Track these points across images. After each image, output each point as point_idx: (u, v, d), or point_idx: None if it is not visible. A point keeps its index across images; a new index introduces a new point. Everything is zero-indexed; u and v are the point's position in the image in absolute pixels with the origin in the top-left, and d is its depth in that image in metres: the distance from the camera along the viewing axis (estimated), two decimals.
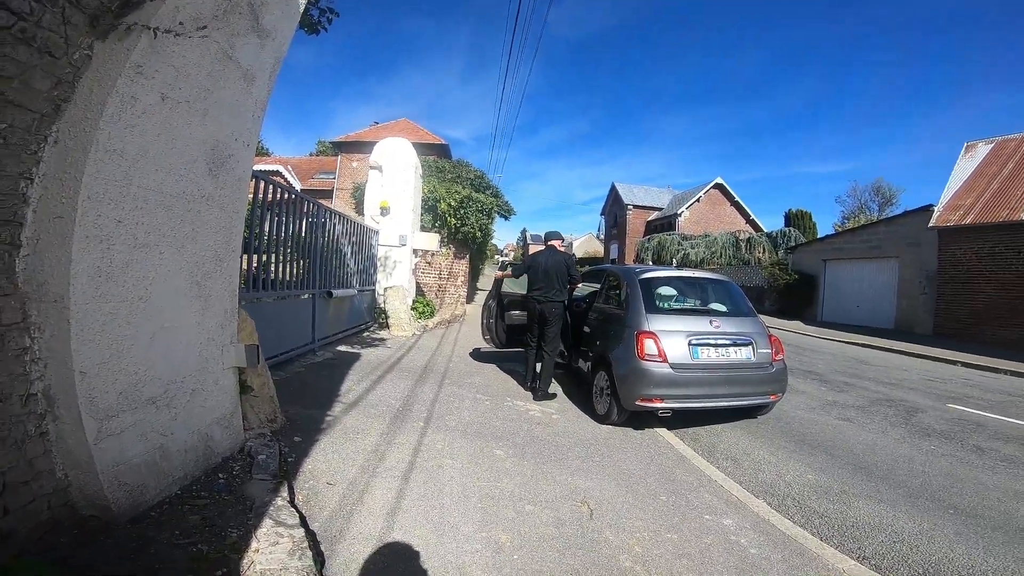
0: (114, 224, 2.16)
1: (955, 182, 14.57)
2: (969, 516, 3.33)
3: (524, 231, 77.89)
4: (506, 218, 17.43)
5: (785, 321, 17.09)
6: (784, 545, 2.79)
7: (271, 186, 5.20)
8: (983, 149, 15.10)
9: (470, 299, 16.70)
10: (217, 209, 2.80)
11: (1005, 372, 9.12)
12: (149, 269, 2.37)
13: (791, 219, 32.61)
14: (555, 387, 5.80)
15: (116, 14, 2.06)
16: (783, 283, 20.15)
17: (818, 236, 26.35)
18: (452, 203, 13.01)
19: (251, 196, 4.72)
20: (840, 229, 32.00)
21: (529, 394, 5.56)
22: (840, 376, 8.09)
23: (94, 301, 2.11)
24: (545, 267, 5.43)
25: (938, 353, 10.66)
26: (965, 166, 14.93)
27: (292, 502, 2.69)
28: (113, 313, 2.20)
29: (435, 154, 23.50)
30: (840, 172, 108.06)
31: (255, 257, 5.02)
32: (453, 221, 13.13)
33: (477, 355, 7.70)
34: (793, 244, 23.68)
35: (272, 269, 5.56)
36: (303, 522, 2.51)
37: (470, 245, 14.39)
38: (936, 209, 14.16)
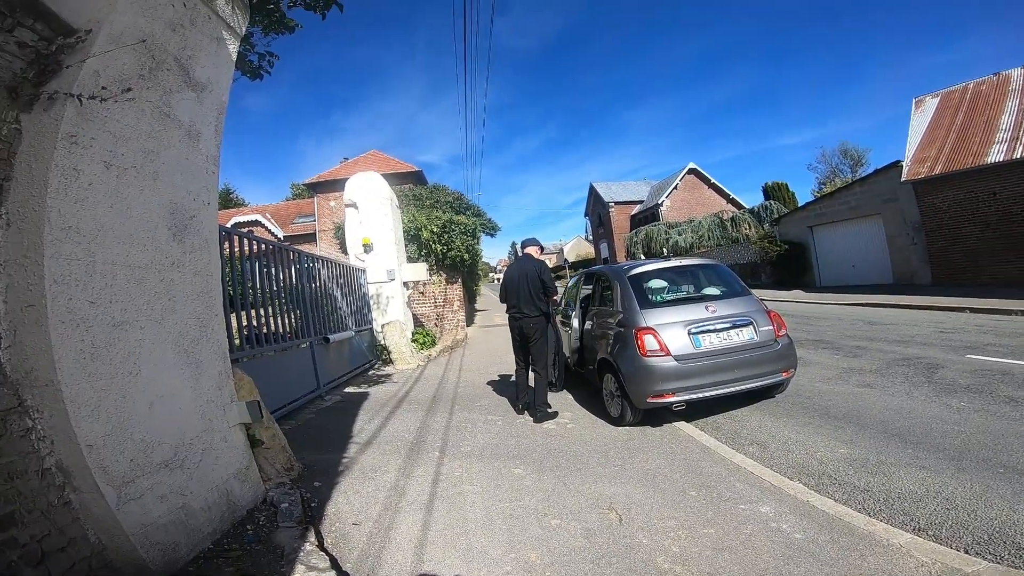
0: (88, 306, 2.11)
1: (915, 136, 14.75)
2: (1022, 473, 3.08)
3: (513, 244, 78.05)
4: (492, 235, 17.46)
5: (784, 292, 17.09)
6: (830, 526, 2.66)
7: (247, 240, 5.16)
8: (931, 103, 15.39)
9: (470, 322, 16.62)
10: (191, 274, 2.73)
11: (1017, 312, 8.50)
12: (133, 346, 2.31)
13: (769, 192, 32.83)
14: (564, 397, 5.69)
15: (34, 83, 2.00)
16: (775, 254, 20.18)
17: (799, 205, 26.43)
18: (434, 229, 12.98)
19: (228, 252, 4.68)
20: (818, 195, 32.13)
21: None
22: (851, 341, 7.95)
23: (85, 381, 2.07)
24: (516, 280, 5.09)
25: (943, 302, 10.46)
26: (920, 120, 15.16)
27: (321, 546, 2.68)
28: (105, 389, 2.16)
29: (410, 182, 23.53)
30: (807, 141, 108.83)
31: (244, 314, 4.96)
32: (438, 247, 13.09)
33: (484, 378, 7.62)
34: (776, 216, 23.70)
35: (267, 323, 5.50)
36: (334, 564, 2.50)
37: (460, 268, 14.33)
38: (904, 164, 14.30)
